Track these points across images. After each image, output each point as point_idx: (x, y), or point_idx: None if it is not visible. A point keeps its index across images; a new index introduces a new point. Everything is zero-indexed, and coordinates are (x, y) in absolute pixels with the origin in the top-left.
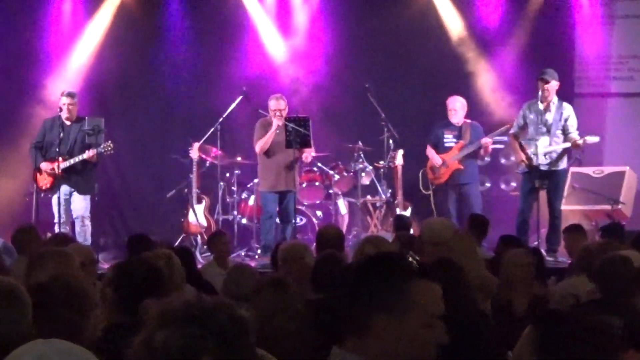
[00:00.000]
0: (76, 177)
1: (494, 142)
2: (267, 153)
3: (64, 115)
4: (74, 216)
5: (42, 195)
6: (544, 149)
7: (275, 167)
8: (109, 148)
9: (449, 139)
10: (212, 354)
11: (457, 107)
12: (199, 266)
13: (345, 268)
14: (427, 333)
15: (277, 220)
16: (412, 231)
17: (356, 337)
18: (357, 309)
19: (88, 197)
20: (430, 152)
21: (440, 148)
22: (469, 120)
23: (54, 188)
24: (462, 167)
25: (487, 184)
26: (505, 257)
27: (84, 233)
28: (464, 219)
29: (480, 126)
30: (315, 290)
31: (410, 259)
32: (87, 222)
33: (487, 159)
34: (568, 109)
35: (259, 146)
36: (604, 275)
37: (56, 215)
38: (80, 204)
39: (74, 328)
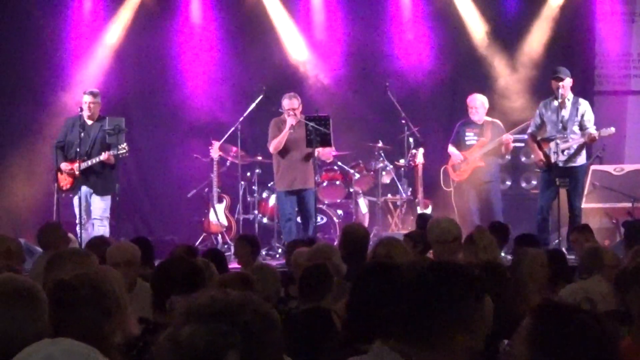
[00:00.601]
0: (95, 177)
1: (515, 140)
2: (282, 152)
3: (86, 114)
4: (93, 217)
5: (63, 195)
6: (562, 145)
7: (291, 165)
8: (124, 151)
9: (470, 136)
10: (239, 349)
11: (477, 105)
12: None
13: (405, 280)
14: (474, 343)
15: (298, 219)
16: None
17: (423, 349)
18: (435, 326)
19: (107, 197)
20: (451, 149)
21: (461, 146)
22: (490, 118)
23: (74, 188)
24: (482, 164)
25: (508, 183)
26: (517, 259)
27: (101, 234)
28: (484, 216)
29: (501, 124)
30: (302, 301)
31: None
32: (106, 223)
33: (508, 157)
34: (584, 105)
35: (273, 145)
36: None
37: (77, 216)
38: (99, 205)
39: (95, 328)
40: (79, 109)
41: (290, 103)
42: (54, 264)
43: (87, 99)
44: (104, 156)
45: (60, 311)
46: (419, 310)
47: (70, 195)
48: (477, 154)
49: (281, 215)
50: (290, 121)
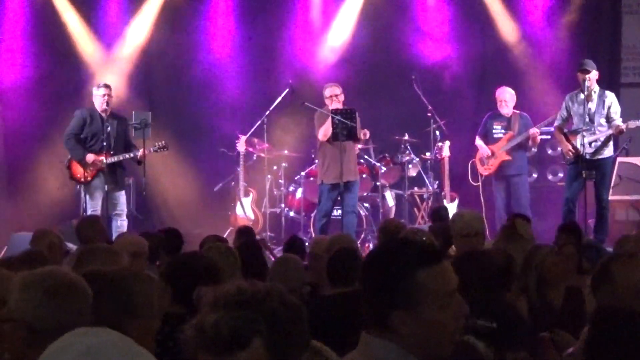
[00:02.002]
0: (119, 172)
1: (541, 133)
2: (329, 142)
3: (102, 106)
4: (118, 211)
5: (79, 187)
6: (589, 138)
7: (338, 157)
8: (164, 149)
9: (497, 130)
10: (263, 336)
11: (507, 98)
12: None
13: (362, 263)
14: (443, 314)
15: (337, 212)
16: None
17: (378, 331)
18: (375, 306)
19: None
20: (479, 143)
21: (489, 139)
22: (518, 111)
23: (94, 181)
24: (509, 158)
25: (534, 175)
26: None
27: (123, 229)
28: (512, 210)
29: (529, 117)
30: (331, 285)
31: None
32: (125, 218)
33: (534, 149)
34: (610, 97)
35: (323, 132)
36: None
37: (93, 211)
38: (124, 199)
39: (112, 325)
40: (96, 101)
41: (332, 90)
42: (83, 260)
43: (103, 91)
44: (139, 152)
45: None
46: (363, 293)
47: (79, 188)
48: (504, 147)
49: (319, 209)
50: (334, 106)
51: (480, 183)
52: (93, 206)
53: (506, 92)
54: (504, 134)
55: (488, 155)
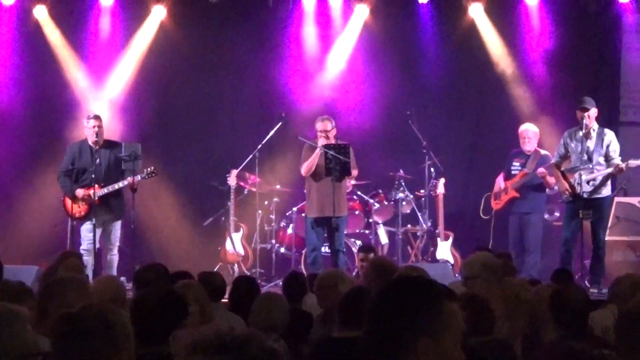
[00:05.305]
0: (114, 203)
1: None
2: (315, 177)
3: (93, 138)
4: (112, 245)
5: (75, 223)
6: (586, 176)
7: (322, 191)
8: (153, 174)
9: (515, 166)
10: None
11: (530, 136)
12: None
13: (377, 296)
14: (457, 349)
15: (326, 249)
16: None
17: None
18: (400, 335)
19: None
20: (499, 177)
21: (508, 175)
22: (541, 150)
23: (88, 215)
24: (518, 195)
25: None
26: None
27: (113, 263)
28: (519, 248)
29: (550, 156)
30: (342, 326)
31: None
32: (116, 252)
33: (556, 187)
34: (609, 135)
35: (305, 168)
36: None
37: (89, 244)
38: (119, 232)
39: None
40: (87, 133)
41: (322, 125)
42: (54, 291)
43: (93, 122)
44: (128, 181)
45: (67, 343)
46: (384, 325)
47: (84, 223)
48: (515, 184)
49: (307, 244)
50: (321, 142)
51: (492, 217)
52: (89, 239)
53: (529, 129)
54: (519, 170)
55: (501, 189)
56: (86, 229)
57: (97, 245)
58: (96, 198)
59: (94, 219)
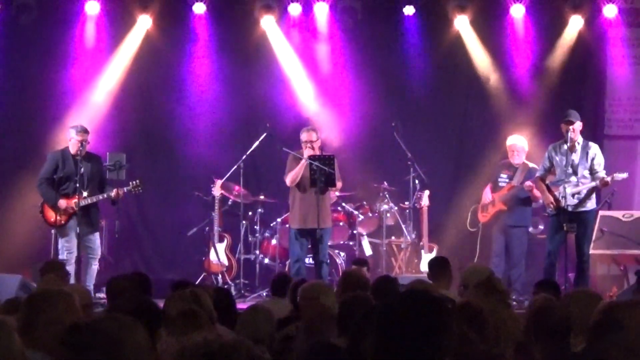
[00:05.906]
0: (92, 212)
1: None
2: (299, 187)
3: (75, 149)
4: (94, 255)
5: (53, 231)
6: (571, 190)
7: (306, 202)
8: (139, 188)
9: (503, 178)
10: None
11: (518, 149)
12: None
13: (390, 312)
14: None
15: (310, 260)
16: None
17: None
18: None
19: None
20: (486, 189)
21: (495, 186)
22: (529, 163)
23: (68, 224)
24: (505, 207)
25: None
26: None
27: (93, 273)
28: (503, 261)
29: (537, 169)
30: (340, 333)
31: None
32: (97, 262)
33: (541, 201)
34: (594, 148)
35: (290, 179)
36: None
37: (69, 254)
38: (98, 242)
39: None
40: (71, 144)
41: (307, 135)
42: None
43: (82, 136)
44: (114, 193)
45: (71, 355)
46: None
47: (63, 232)
48: (502, 197)
49: (290, 255)
50: (307, 153)
51: (478, 229)
52: (69, 248)
53: (518, 142)
54: (507, 183)
55: (488, 202)
56: (64, 239)
57: (75, 255)
58: (77, 208)
59: (77, 229)
